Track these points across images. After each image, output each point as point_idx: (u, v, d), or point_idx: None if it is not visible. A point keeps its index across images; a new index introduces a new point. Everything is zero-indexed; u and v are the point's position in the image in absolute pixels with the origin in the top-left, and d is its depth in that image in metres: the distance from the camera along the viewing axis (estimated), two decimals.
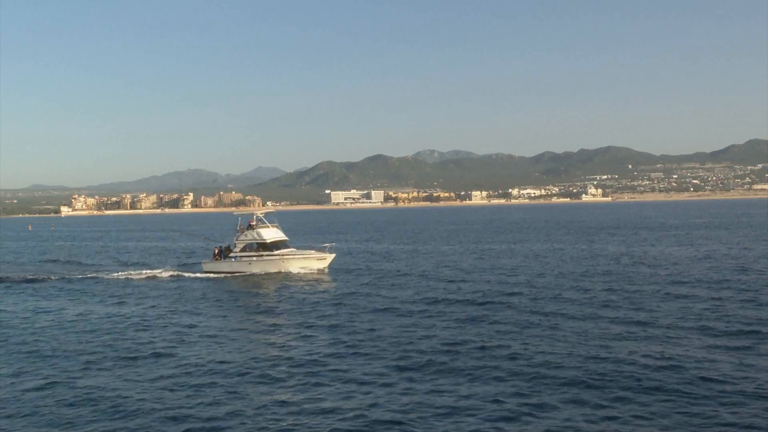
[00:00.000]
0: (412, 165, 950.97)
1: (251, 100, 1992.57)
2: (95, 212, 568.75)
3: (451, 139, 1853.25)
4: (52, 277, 54.53)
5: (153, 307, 38.57)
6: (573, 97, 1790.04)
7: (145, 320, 34.11)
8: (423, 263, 60.16)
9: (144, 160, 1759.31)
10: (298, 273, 52.09)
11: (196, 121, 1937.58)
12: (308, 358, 25.03)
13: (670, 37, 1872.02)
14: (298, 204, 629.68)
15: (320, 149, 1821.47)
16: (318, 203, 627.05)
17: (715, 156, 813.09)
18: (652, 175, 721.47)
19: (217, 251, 55.81)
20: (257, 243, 53.82)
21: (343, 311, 34.89)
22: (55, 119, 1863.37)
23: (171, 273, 55.36)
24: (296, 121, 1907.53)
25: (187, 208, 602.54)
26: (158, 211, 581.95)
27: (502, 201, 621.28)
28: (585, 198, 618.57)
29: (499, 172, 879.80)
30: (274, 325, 32.18)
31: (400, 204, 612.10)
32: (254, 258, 53.61)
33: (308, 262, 53.76)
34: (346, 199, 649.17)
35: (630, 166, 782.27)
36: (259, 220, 56.01)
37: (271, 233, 54.82)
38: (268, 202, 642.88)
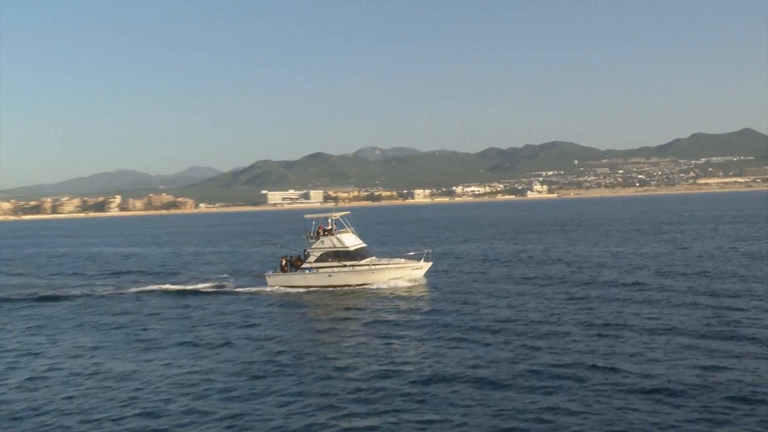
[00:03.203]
0: (353, 163, 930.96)
1: (184, 98, 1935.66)
2: (11, 217, 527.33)
3: (394, 135, 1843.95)
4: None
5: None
6: (518, 91, 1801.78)
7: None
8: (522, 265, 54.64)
9: (68, 161, 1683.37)
10: (391, 286, 44.81)
11: (126, 120, 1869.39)
12: None
13: (614, 33, 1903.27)
14: (233, 206, 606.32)
15: (257, 148, 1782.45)
16: (255, 204, 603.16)
17: (660, 150, 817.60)
18: (598, 170, 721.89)
19: (284, 262, 48.18)
20: (338, 251, 46.68)
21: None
22: None
23: (226, 287, 47.86)
24: (232, 119, 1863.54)
25: (114, 212, 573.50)
26: (82, 215, 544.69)
27: (446, 199, 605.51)
28: (531, 195, 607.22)
29: (444, 168, 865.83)
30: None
31: (341, 203, 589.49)
32: (335, 269, 46.53)
33: (402, 272, 46.74)
34: (283, 199, 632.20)
35: (576, 162, 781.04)
36: (335, 223, 49.09)
37: (352, 239, 48.30)
38: (200, 204, 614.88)
